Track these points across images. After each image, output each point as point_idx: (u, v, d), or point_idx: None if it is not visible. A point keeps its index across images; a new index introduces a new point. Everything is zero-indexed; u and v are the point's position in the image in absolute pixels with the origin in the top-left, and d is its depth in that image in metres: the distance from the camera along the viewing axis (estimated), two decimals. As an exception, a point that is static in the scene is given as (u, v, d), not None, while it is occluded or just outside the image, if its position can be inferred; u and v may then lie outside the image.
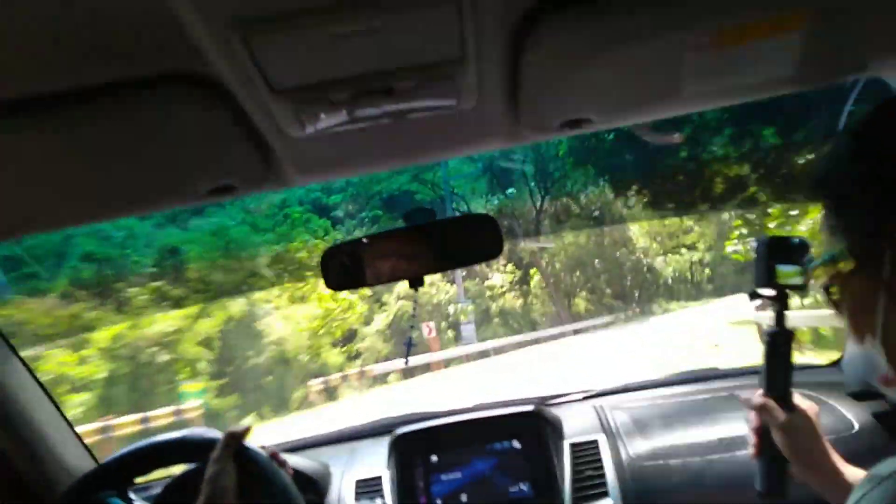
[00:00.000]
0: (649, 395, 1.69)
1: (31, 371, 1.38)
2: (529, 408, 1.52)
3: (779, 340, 1.03)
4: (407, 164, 1.14)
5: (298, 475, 1.13)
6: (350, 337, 18.42)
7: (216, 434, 1.12)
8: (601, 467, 1.40)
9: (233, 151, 0.90)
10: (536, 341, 18.85)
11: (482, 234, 1.09)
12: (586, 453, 1.44)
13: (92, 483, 1.12)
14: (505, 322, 21.69)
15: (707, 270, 25.46)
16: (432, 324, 18.59)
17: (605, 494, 1.35)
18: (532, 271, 23.24)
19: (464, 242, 1.11)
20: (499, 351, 17.60)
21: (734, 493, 1.26)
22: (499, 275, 22.80)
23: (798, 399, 1.01)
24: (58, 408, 1.46)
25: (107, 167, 0.88)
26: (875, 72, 0.96)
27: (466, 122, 0.95)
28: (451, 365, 16.25)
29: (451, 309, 20.49)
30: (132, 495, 1.16)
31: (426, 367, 15.96)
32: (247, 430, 1.07)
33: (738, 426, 1.40)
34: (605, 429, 1.51)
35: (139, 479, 1.18)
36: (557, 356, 13.66)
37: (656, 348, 11.86)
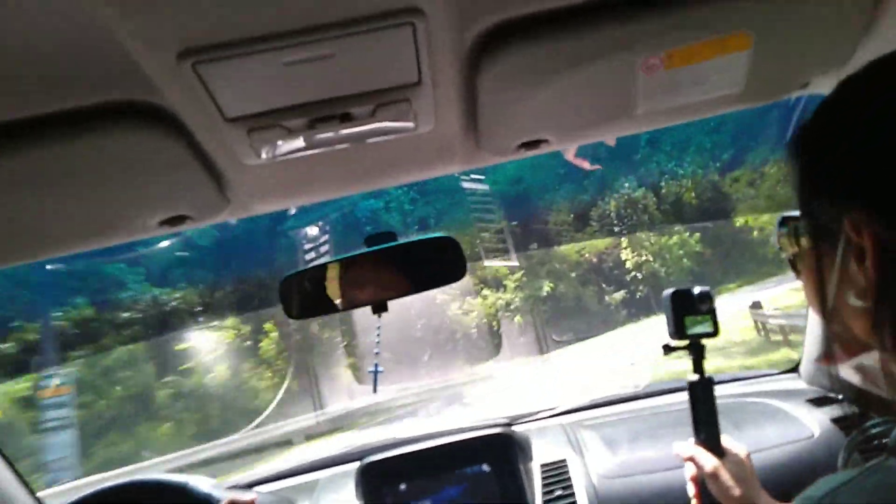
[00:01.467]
0: (616, 411, 1.70)
1: None
2: (498, 430, 1.51)
3: (700, 388, 1.05)
4: (367, 189, 1.12)
5: None
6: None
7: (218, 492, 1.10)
8: (570, 486, 1.39)
9: (186, 181, 0.87)
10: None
11: (445, 257, 1.08)
12: (556, 472, 1.43)
13: None
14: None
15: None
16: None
17: None
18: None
19: (426, 265, 1.09)
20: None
21: None
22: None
23: (728, 443, 1.02)
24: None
25: (54, 200, 0.84)
26: (817, 88, 1.00)
27: (425, 145, 0.95)
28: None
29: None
30: None
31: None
32: (251, 501, 1.03)
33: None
34: (574, 447, 1.51)
35: None
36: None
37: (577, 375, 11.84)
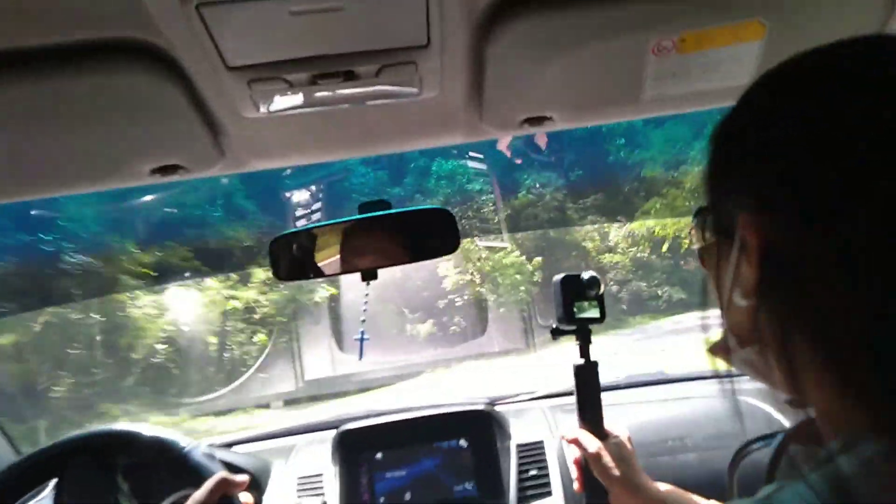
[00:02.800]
0: None
1: None
2: (478, 407, 1.52)
3: (585, 372, 1.07)
4: (364, 154, 1.11)
5: (234, 471, 1.10)
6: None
7: (178, 438, 1.09)
8: (546, 468, 1.41)
9: (181, 128, 0.85)
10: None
11: (438, 228, 1.07)
12: (532, 453, 1.44)
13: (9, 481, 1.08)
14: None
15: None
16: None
17: (548, 494, 1.36)
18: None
19: (419, 236, 1.08)
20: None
21: None
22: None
23: (610, 426, 1.05)
24: None
25: (42, 137, 0.82)
26: None
27: (427, 113, 0.94)
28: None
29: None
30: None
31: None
32: (244, 484, 1.02)
33: (683, 429, 1.43)
34: (552, 430, 1.52)
35: None
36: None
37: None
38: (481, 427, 1.48)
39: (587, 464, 1.01)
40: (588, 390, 1.07)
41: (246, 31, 0.67)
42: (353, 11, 0.66)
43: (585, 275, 1.06)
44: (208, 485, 0.98)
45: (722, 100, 0.99)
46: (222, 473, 1.02)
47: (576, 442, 1.03)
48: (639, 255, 13.82)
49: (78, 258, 9.07)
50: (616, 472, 0.97)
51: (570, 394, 1.74)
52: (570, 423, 1.53)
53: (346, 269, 1.10)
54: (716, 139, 0.54)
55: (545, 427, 1.53)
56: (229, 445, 1.67)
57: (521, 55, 0.79)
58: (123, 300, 9.62)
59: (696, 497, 0.95)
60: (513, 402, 1.71)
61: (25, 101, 0.74)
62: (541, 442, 1.46)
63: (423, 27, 0.70)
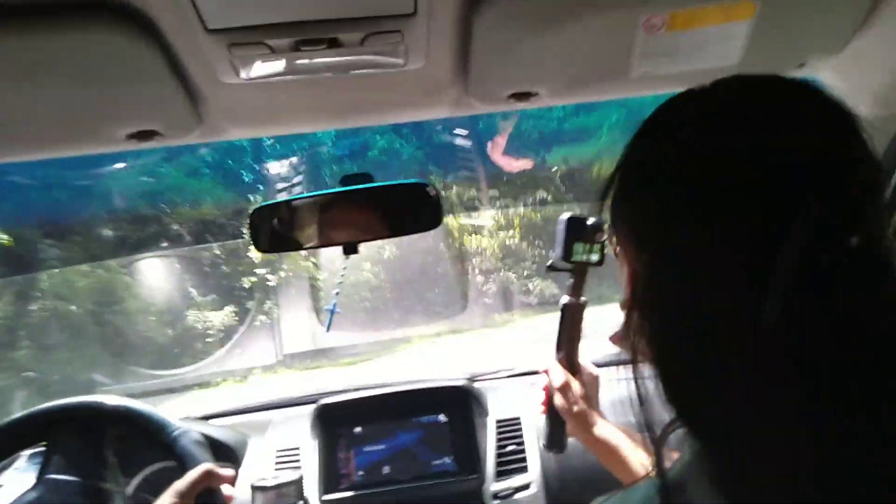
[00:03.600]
0: None
1: None
2: (457, 383, 1.52)
3: (571, 311, 1.11)
4: (346, 126, 1.09)
5: (212, 444, 1.09)
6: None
7: (144, 408, 1.08)
8: (522, 443, 1.42)
9: (158, 93, 0.82)
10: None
11: (421, 203, 1.06)
12: (510, 429, 1.45)
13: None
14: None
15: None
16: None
17: (524, 470, 1.38)
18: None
19: (401, 210, 1.07)
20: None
21: None
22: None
23: (585, 366, 1.11)
24: None
25: (13, 97, 0.78)
26: (811, 71, 1.00)
27: (412, 84, 0.92)
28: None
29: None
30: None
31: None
32: (229, 478, 1.02)
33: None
34: (529, 406, 1.53)
35: None
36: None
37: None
38: (460, 402, 1.49)
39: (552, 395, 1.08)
40: (570, 327, 1.10)
41: None
42: None
43: (591, 220, 1.07)
44: (192, 475, 0.98)
45: (708, 80, 0.99)
46: (208, 465, 1.01)
47: (546, 372, 1.10)
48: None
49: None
50: (575, 407, 1.04)
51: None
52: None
53: (327, 241, 1.09)
54: (617, 173, 0.56)
55: (523, 403, 1.54)
56: (206, 419, 1.67)
57: (509, 28, 0.78)
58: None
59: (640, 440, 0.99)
60: (492, 379, 1.72)
61: None
62: (518, 418, 1.48)
63: None
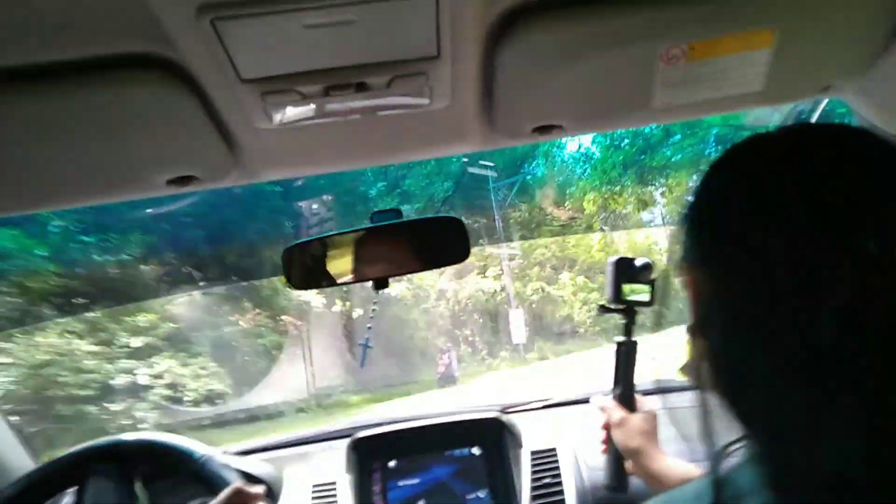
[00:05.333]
0: None
1: None
2: (490, 415, 1.51)
3: (624, 350, 1.14)
4: (376, 164, 1.12)
5: (249, 479, 1.11)
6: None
7: (171, 441, 1.10)
8: (559, 475, 1.40)
9: (196, 140, 0.86)
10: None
11: (449, 237, 1.08)
12: (545, 461, 1.44)
13: (30, 488, 1.09)
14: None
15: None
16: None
17: (562, 502, 1.35)
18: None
19: (430, 245, 1.09)
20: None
21: None
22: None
23: (642, 401, 1.13)
24: None
25: (61, 150, 0.83)
26: (837, 94, 0.99)
27: (439, 122, 0.94)
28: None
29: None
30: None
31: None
32: (258, 496, 1.04)
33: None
34: (565, 437, 1.51)
35: None
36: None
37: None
38: (494, 435, 1.48)
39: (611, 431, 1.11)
40: (624, 366, 1.14)
41: (260, 45, 0.68)
42: (366, 24, 0.67)
43: (639, 261, 1.11)
44: (223, 496, 0.99)
45: (732, 107, 0.99)
46: (238, 484, 1.03)
47: (603, 410, 1.13)
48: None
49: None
50: (633, 443, 1.05)
51: (582, 402, 1.75)
52: (583, 430, 1.53)
53: (358, 277, 1.11)
54: (692, 206, 0.59)
55: (558, 434, 1.52)
56: (244, 454, 1.68)
57: (532, 65, 0.80)
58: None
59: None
60: (525, 410, 1.70)
61: (43, 114, 0.75)
62: (553, 449, 1.46)
63: (433, 39, 0.71)
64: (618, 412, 1.10)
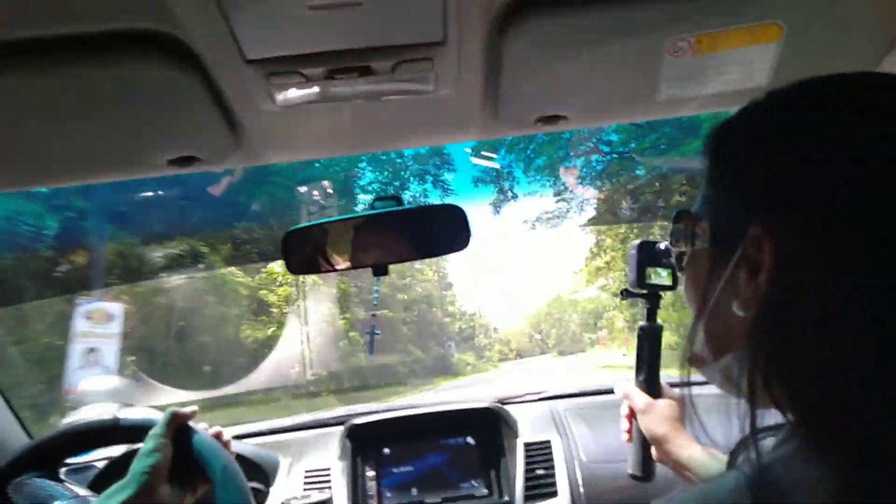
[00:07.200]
0: (603, 400, 1.70)
1: None
2: (485, 405, 1.52)
3: (648, 335, 1.11)
4: (379, 150, 1.12)
5: (243, 462, 1.10)
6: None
7: (155, 415, 1.08)
8: (552, 467, 1.41)
9: (198, 120, 0.86)
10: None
11: (450, 225, 1.08)
12: (539, 452, 1.44)
13: (20, 463, 1.07)
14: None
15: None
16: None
17: (554, 494, 1.36)
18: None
19: (431, 232, 1.09)
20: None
21: None
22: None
23: (667, 388, 1.10)
24: None
25: (62, 126, 0.83)
26: None
27: (442, 109, 0.94)
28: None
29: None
30: (65, 476, 1.11)
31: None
32: (192, 414, 1.04)
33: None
34: (560, 430, 1.52)
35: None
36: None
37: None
38: (489, 425, 1.49)
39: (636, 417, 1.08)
40: (648, 351, 1.11)
41: (265, 25, 0.68)
42: (371, 7, 0.66)
43: (662, 244, 1.08)
44: (163, 420, 0.99)
45: (737, 102, 0.98)
46: (172, 409, 1.02)
47: (627, 397, 1.10)
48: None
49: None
50: (658, 430, 1.02)
51: (579, 395, 1.75)
52: (578, 424, 1.54)
53: (358, 263, 1.11)
54: (720, 142, 0.55)
55: (552, 427, 1.53)
56: (238, 438, 1.69)
57: (537, 54, 0.80)
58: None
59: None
60: (521, 402, 1.71)
61: (45, 89, 0.75)
62: (548, 442, 1.46)
63: (439, 24, 0.70)
64: (643, 398, 1.07)
